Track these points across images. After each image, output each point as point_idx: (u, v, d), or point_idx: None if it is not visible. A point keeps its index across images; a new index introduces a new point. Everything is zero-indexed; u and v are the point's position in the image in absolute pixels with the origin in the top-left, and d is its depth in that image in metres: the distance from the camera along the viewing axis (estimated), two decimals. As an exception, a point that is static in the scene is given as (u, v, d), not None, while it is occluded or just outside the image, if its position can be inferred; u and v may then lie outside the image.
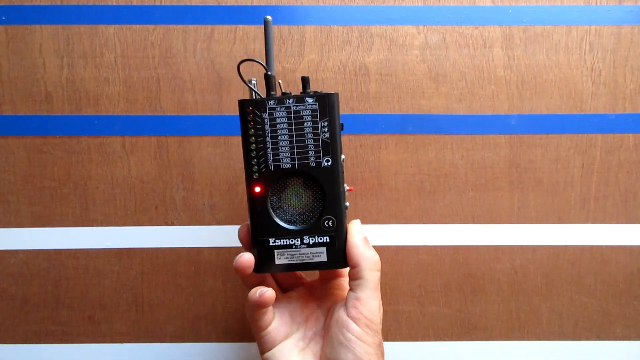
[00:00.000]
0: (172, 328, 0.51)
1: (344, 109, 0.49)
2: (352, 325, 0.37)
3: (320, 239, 0.38)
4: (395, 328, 0.51)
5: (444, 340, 0.50)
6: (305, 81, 0.38)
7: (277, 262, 0.38)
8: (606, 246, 0.50)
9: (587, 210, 0.50)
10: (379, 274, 0.39)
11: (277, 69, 0.49)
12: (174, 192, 0.50)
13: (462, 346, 0.50)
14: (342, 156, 0.38)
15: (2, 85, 0.49)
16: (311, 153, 0.37)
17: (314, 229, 0.38)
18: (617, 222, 0.50)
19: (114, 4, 0.49)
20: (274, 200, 0.39)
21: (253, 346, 0.51)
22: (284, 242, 0.38)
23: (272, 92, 0.38)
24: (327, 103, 0.37)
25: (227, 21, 0.49)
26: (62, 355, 0.51)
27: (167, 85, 0.49)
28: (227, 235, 0.50)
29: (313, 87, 0.49)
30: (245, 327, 0.51)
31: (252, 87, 0.39)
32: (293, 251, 0.38)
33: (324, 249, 0.38)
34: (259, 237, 0.38)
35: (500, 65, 0.49)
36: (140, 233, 0.50)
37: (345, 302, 0.39)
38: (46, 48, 0.49)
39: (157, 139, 0.50)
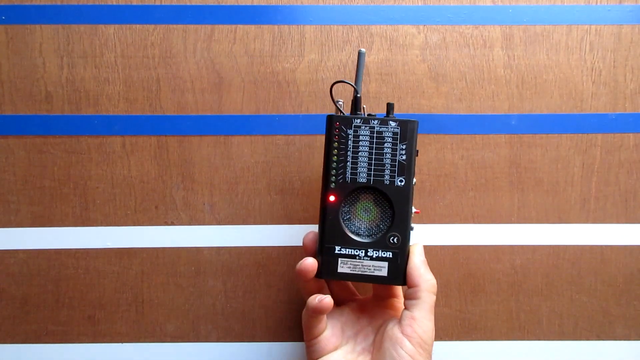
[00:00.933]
0: (172, 328, 0.51)
1: (344, 109, 0.49)
2: (406, 342, 0.38)
3: (384, 254, 0.40)
4: (395, 328, 0.51)
5: (444, 340, 0.50)
6: (390, 107, 0.41)
7: (340, 270, 0.40)
8: (606, 246, 0.50)
9: (587, 210, 0.50)
10: (435, 297, 0.40)
11: (276, 68, 0.49)
12: (174, 192, 0.50)
13: (462, 346, 0.50)
14: (414, 180, 0.41)
15: (2, 85, 0.49)
16: (387, 172, 0.40)
17: (379, 244, 0.40)
18: (617, 222, 0.50)
19: (114, 4, 0.49)
20: (345, 210, 0.41)
21: (253, 346, 0.51)
22: (349, 251, 0.40)
23: (358, 112, 0.41)
24: (408, 128, 0.40)
25: (227, 21, 0.49)
26: (62, 355, 0.51)
27: (167, 85, 0.49)
28: (227, 235, 0.50)
29: (312, 87, 0.49)
30: (246, 327, 0.51)
31: (339, 107, 0.42)
32: (356, 262, 0.40)
33: (385, 264, 0.40)
34: (326, 243, 0.41)
35: (500, 65, 0.49)
36: (140, 233, 0.50)
37: (399, 320, 0.40)
38: (46, 48, 0.49)
39: (157, 139, 0.50)
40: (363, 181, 0.40)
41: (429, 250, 0.50)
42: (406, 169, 0.40)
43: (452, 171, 0.50)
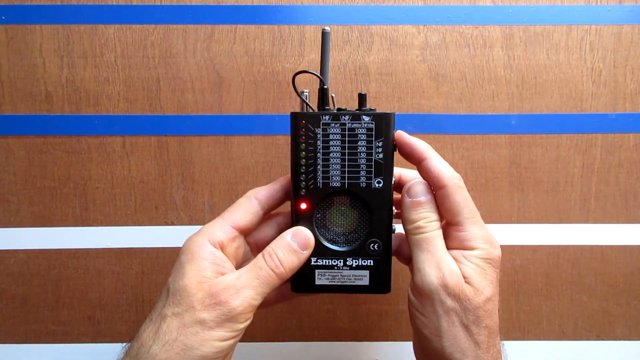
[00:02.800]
0: (172, 328, 0.51)
1: (311, 100, 0.49)
2: (409, 293, 0.36)
3: (364, 262, 0.37)
4: (395, 328, 0.51)
5: (444, 340, 0.50)
6: (362, 98, 0.37)
7: (317, 282, 0.37)
8: (606, 246, 0.50)
9: (587, 210, 0.50)
10: (424, 235, 0.35)
11: (276, 68, 0.49)
12: (174, 192, 0.50)
13: (462, 346, 0.50)
14: (394, 178, 0.37)
15: (2, 85, 0.49)
16: (362, 173, 0.36)
17: (358, 252, 0.37)
18: (617, 222, 0.50)
19: (114, 3, 0.49)
20: (319, 218, 0.37)
21: (253, 346, 0.51)
22: (326, 262, 0.37)
23: (327, 107, 0.37)
24: (383, 122, 0.36)
25: (227, 21, 0.49)
26: (62, 355, 0.51)
27: (167, 85, 0.49)
28: (227, 235, 0.50)
29: (312, 87, 0.49)
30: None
31: (304, 98, 0.37)
32: (335, 272, 0.37)
33: (366, 272, 0.37)
34: None
35: (501, 65, 0.49)
36: (140, 233, 0.50)
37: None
38: (46, 48, 0.49)
39: (157, 139, 0.50)
40: (337, 185, 0.36)
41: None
42: (384, 168, 0.36)
43: (452, 171, 0.50)
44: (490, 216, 0.50)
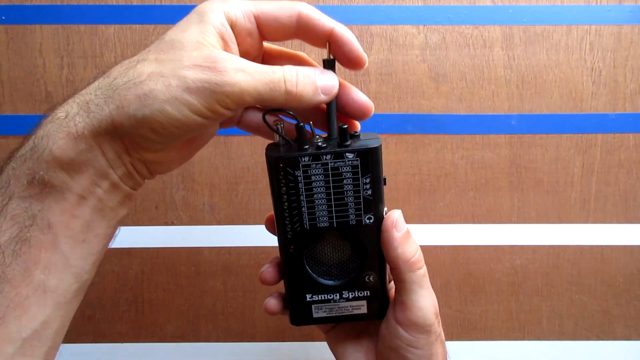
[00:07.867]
0: (172, 328, 0.51)
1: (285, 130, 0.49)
2: (400, 331, 0.34)
3: (361, 293, 0.36)
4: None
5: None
6: (343, 132, 0.33)
7: (315, 315, 0.36)
8: (606, 246, 0.50)
9: (587, 210, 0.50)
10: (421, 270, 0.34)
11: (277, 69, 0.49)
12: (174, 192, 0.50)
13: (462, 346, 0.50)
14: (385, 208, 0.35)
15: (2, 85, 0.49)
16: (351, 211, 0.34)
17: (353, 284, 0.36)
18: (617, 222, 0.50)
19: (114, 4, 0.49)
20: (310, 255, 0.35)
21: (253, 346, 0.51)
22: (322, 297, 0.36)
23: (305, 147, 0.33)
24: (369, 158, 0.33)
25: (227, 21, 0.49)
26: (62, 355, 0.50)
27: (167, 85, 0.49)
28: (227, 235, 0.50)
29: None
30: (246, 327, 0.51)
31: (278, 131, 0.34)
32: (331, 305, 0.36)
33: (364, 302, 0.36)
34: (294, 293, 0.36)
35: (500, 65, 0.49)
36: (140, 233, 0.50)
37: (393, 303, 0.36)
38: (46, 48, 0.49)
39: (157, 139, 0.50)
40: (325, 225, 0.34)
41: (429, 251, 0.50)
42: (373, 204, 0.34)
43: (452, 171, 0.50)
44: (490, 216, 0.50)
